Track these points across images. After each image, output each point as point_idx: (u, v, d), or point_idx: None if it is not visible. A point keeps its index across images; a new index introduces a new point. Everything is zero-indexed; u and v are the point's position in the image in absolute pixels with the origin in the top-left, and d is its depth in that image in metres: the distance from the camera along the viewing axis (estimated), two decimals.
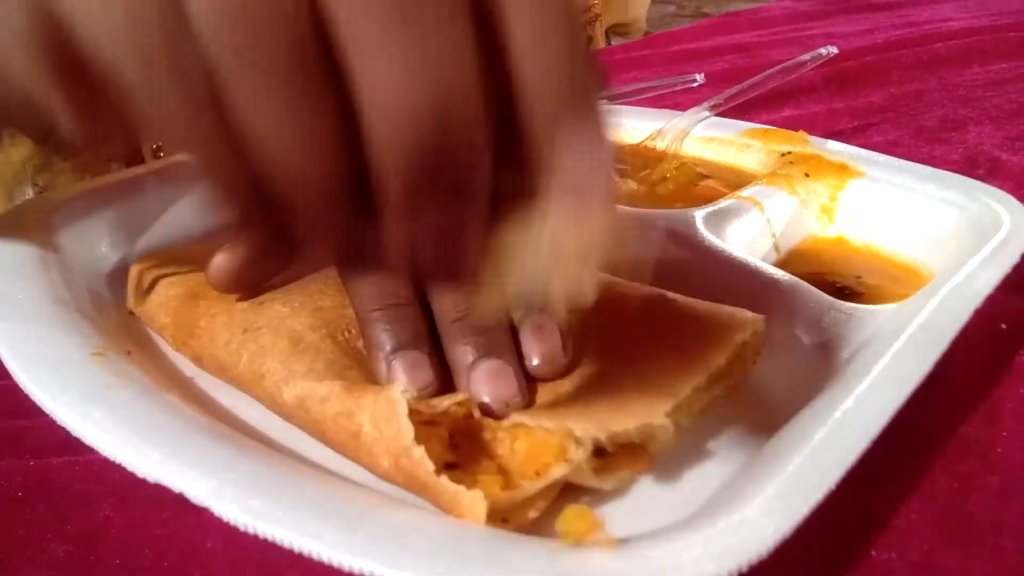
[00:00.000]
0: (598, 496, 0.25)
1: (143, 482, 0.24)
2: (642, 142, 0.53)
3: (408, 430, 0.23)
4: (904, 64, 0.73)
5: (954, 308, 0.30)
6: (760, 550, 0.20)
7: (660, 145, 0.52)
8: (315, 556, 0.20)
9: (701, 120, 0.53)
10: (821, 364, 0.29)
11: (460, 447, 0.25)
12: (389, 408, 0.24)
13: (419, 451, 0.23)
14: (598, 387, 0.28)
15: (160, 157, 0.58)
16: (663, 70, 0.76)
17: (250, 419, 0.29)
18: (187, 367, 0.33)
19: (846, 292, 0.37)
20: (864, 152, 0.47)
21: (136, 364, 0.30)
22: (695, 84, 0.58)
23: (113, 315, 0.35)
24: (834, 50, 0.56)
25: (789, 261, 0.41)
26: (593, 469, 0.24)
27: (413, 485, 0.23)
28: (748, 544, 0.20)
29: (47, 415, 0.26)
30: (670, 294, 0.32)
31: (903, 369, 0.27)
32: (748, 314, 0.30)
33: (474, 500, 0.22)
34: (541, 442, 0.23)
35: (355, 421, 0.24)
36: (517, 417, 0.24)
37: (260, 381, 0.28)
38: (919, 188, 0.42)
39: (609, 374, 0.28)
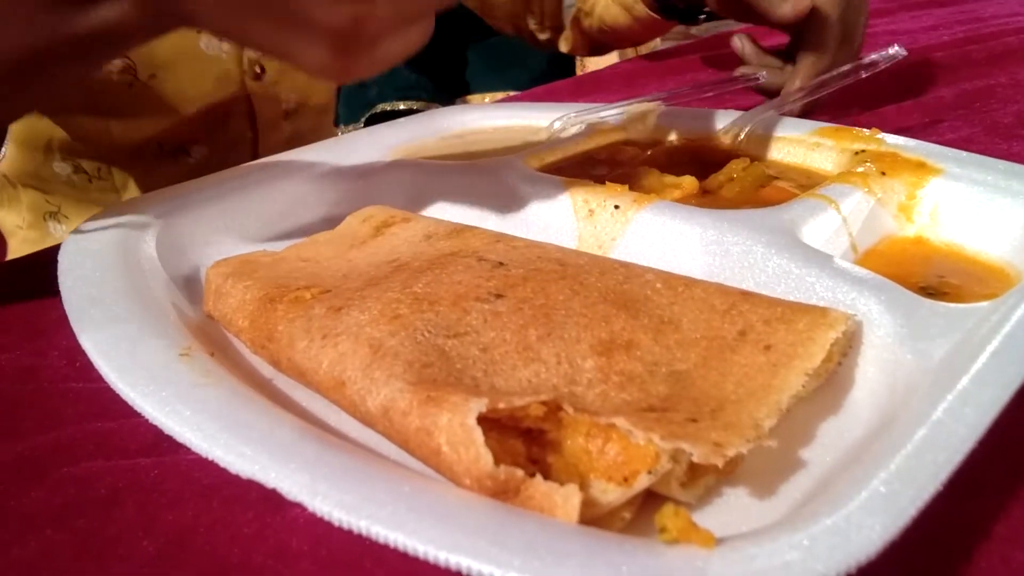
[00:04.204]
0: None
1: (230, 482, 0.24)
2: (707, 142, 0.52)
3: (487, 457, 0.23)
4: (973, 60, 0.71)
5: None
6: (867, 551, 0.19)
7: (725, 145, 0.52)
8: (411, 551, 0.20)
9: (765, 116, 0.52)
10: (911, 364, 0.28)
11: (538, 460, 0.24)
12: (465, 435, 0.23)
13: (502, 471, 0.22)
14: (695, 389, 0.27)
15: None
16: (722, 72, 0.75)
17: (330, 419, 0.29)
18: (266, 369, 0.33)
19: (930, 292, 0.36)
20: (942, 148, 0.45)
21: (220, 365, 0.30)
22: (759, 82, 0.57)
23: (192, 318, 0.36)
24: (903, 52, 0.55)
25: (867, 261, 0.40)
26: (680, 481, 0.24)
27: (499, 498, 0.23)
28: (855, 544, 0.19)
29: (135, 417, 0.27)
30: (755, 293, 0.32)
31: (1004, 368, 0.26)
32: (839, 312, 0.29)
33: (568, 496, 0.21)
34: (633, 448, 0.23)
35: (434, 439, 0.24)
36: (619, 420, 0.23)
37: (341, 388, 0.28)
38: (1002, 184, 0.41)
39: (703, 375, 0.27)
